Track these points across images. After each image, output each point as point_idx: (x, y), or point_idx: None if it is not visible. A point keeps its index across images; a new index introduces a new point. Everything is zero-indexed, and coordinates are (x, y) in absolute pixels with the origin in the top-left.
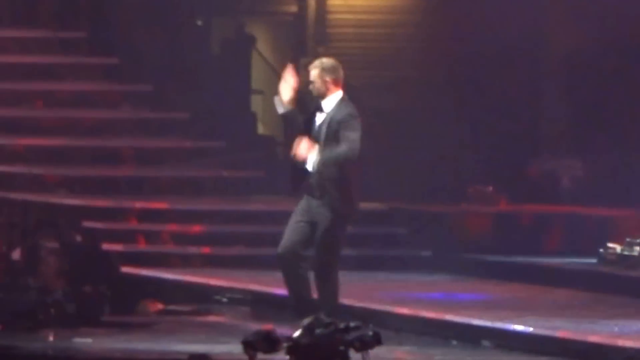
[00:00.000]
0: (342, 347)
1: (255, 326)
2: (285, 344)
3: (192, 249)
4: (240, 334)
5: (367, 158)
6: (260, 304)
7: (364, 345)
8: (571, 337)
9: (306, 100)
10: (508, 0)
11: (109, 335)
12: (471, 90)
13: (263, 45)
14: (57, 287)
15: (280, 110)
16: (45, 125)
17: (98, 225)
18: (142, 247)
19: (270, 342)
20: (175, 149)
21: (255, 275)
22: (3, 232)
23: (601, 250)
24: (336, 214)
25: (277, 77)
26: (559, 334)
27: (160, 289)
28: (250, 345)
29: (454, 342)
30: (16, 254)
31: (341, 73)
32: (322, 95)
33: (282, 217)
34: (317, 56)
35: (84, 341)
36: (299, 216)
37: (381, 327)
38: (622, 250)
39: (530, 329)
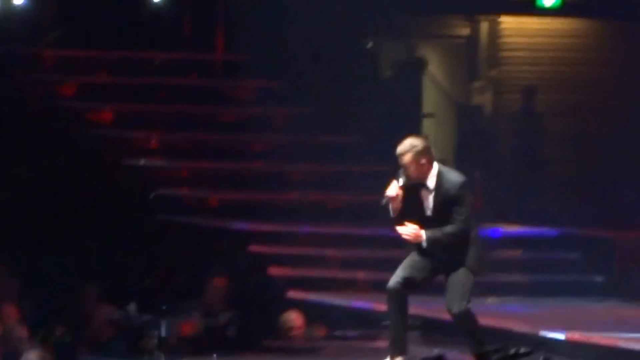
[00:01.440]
0: None
1: (424, 351)
2: None
3: (359, 274)
4: (410, 359)
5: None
6: (430, 329)
7: None
8: None
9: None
10: None
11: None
12: None
13: (434, 69)
14: (221, 312)
15: (394, 214)
16: (211, 149)
17: (264, 249)
18: (308, 271)
19: None
20: (345, 172)
21: (424, 300)
22: (168, 257)
23: None
24: (470, 269)
25: (449, 100)
26: None
27: (326, 313)
28: None
29: None
30: (180, 279)
31: (432, 150)
32: (422, 178)
33: None
34: (489, 79)
35: None
36: (417, 257)
37: (553, 353)
38: None
39: None
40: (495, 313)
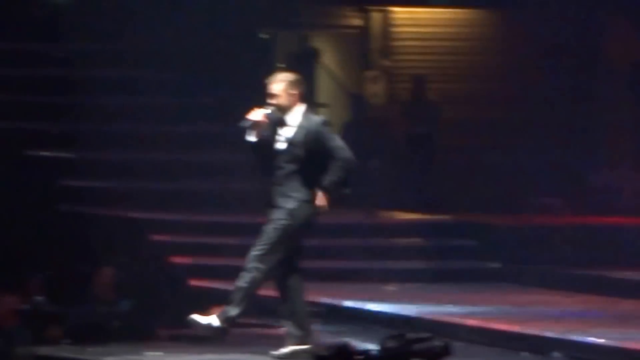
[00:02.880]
0: (412, 359)
1: (326, 339)
2: (357, 357)
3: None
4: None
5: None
6: (331, 316)
7: (434, 356)
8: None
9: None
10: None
11: (177, 348)
12: (538, 103)
13: (328, 59)
14: (112, 301)
15: (253, 139)
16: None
17: (165, 238)
18: (208, 260)
19: (343, 356)
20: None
21: (323, 288)
22: (70, 247)
23: None
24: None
25: (342, 90)
26: (628, 345)
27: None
28: (324, 359)
29: (525, 354)
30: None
31: (303, 87)
32: (287, 110)
33: (346, 230)
34: (382, 69)
35: (155, 354)
36: None
37: (451, 338)
38: None
39: (601, 341)
40: (394, 299)
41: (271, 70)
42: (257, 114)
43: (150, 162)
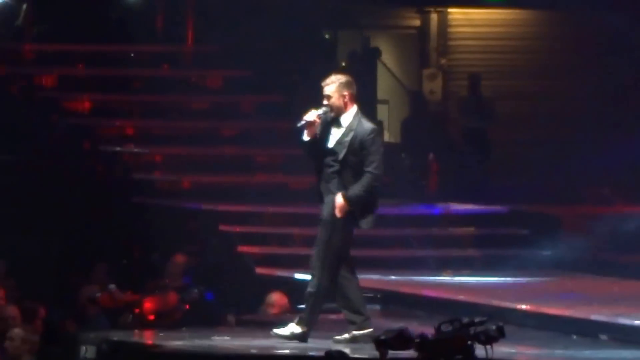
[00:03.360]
0: (468, 342)
1: (385, 324)
2: (415, 341)
3: None
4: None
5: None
6: (390, 302)
7: (489, 339)
8: None
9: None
10: None
11: (244, 333)
12: (593, 99)
13: (388, 58)
14: (184, 286)
15: (306, 138)
16: (182, 135)
17: (234, 229)
18: (276, 249)
19: (402, 340)
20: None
21: (384, 276)
22: (142, 236)
23: None
24: None
25: (402, 87)
26: None
27: (291, 288)
28: (383, 343)
29: (574, 337)
30: (155, 257)
31: (355, 88)
32: (340, 111)
33: (407, 221)
34: (439, 67)
35: (223, 338)
36: None
37: (504, 322)
38: None
39: None
40: (450, 286)
41: (334, 69)
42: (311, 115)
43: (220, 157)
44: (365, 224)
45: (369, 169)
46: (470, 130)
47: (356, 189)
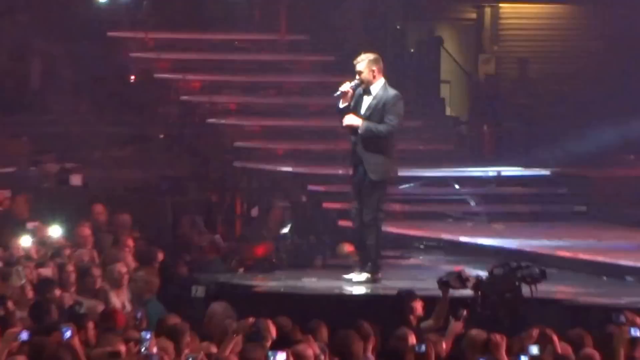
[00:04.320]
0: (516, 282)
1: (447, 267)
2: (471, 282)
3: (396, 207)
4: (435, 273)
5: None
6: (451, 249)
7: (533, 280)
8: None
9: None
10: None
11: (329, 274)
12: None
13: (449, 45)
14: (281, 235)
15: (341, 105)
16: (277, 110)
17: (320, 188)
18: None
19: (460, 280)
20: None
21: (445, 227)
22: (244, 195)
23: None
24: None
25: (461, 70)
26: None
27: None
28: (445, 283)
29: (604, 278)
30: (254, 212)
31: (382, 63)
32: (370, 83)
33: (465, 181)
34: (493, 53)
35: (310, 280)
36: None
37: (546, 266)
38: None
39: None
40: (501, 237)
41: (404, 55)
42: (345, 86)
43: (308, 128)
44: (374, 175)
45: (386, 121)
46: (519, 106)
47: (372, 124)
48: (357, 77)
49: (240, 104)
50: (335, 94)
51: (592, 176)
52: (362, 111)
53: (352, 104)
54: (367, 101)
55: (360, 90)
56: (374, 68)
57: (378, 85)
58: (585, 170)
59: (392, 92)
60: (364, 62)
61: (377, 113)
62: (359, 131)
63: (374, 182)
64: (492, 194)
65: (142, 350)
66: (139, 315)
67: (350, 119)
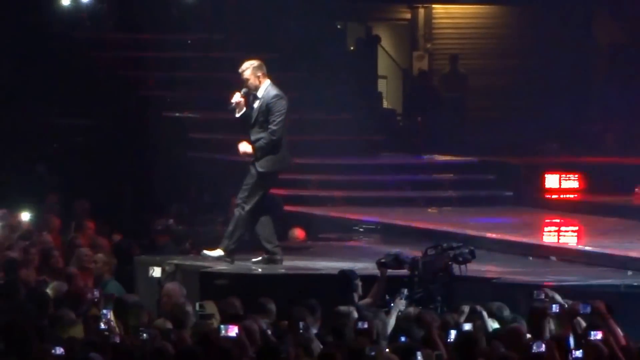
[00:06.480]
0: (448, 262)
1: (384, 249)
2: (408, 262)
3: (335, 193)
4: (374, 255)
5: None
6: (388, 232)
7: (464, 260)
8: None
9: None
10: None
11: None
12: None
13: (385, 43)
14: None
15: (238, 115)
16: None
17: None
18: (299, 191)
19: (398, 262)
20: (321, 120)
21: (382, 211)
22: (197, 182)
23: None
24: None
25: (397, 66)
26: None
27: (311, 222)
28: (383, 264)
29: (530, 258)
30: (207, 198)
31: (265, 68)
32: (257, 88)
33: (400, 169)
34: (426, 50)
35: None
36: None
37: (476, 247)
38: None
39: (587, 248)
40: (434, 219)
41: (345, 52)
42: (236, 97)
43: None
44: (262, 167)
45: (269, 126)
46: (450, 99)
47: (261, 142)
48: (245, 84)
49: (194, 99)
50: (230, 107)
51: (517, 163)
52: (253, 114)
53: (248, 110)
54: (256, 104)
55: (249, 95)
56: (259, 74)
57: (263, 88)
58: (511, 158)
59: (272, 92)
60: (249, 70)
61: (262, 114)
62: (256, 156)
63: (260, 173)
64: (426, 179)
65: (102, 326)
66: (97, 293)
67: (242, 147)
